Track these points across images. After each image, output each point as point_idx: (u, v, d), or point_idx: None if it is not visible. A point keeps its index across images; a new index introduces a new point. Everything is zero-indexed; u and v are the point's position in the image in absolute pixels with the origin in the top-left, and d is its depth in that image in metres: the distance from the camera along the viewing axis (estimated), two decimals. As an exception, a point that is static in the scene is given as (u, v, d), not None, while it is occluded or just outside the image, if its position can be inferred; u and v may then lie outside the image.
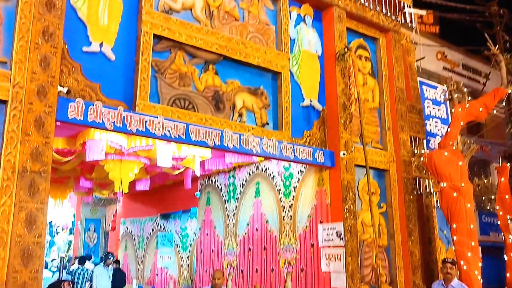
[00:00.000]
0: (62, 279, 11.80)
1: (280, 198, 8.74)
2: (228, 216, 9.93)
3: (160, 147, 7.78)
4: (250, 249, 9.20)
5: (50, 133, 5.17)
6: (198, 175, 8.95)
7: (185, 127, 6.20)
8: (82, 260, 11.62)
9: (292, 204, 8.49)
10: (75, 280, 11.11)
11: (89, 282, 10.71)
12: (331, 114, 7.92)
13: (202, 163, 9.57)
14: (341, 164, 7.63)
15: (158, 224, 12.32)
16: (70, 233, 19.93)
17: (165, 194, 12.25)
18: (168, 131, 6.03)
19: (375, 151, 8.34)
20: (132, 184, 10.40)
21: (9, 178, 4.84)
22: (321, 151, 7.63)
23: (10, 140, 4.91)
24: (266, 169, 9.21)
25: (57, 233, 21.56)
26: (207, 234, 10.48)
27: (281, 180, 8.80)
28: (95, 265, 13.33)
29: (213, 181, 10.61)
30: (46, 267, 13.68)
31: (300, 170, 8.44)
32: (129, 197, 13.96)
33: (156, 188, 12.29)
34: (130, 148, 7.96)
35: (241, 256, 9.37)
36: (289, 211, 8.51)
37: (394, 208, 8.31)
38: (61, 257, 13.50)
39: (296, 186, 8.47)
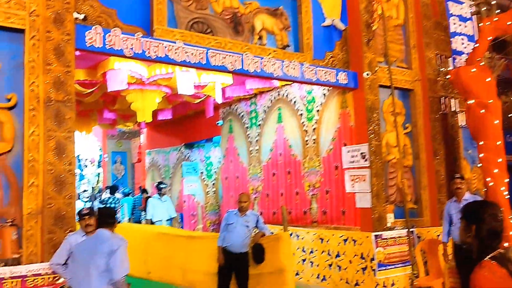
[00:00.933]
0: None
1: (303, 123, 8.70)
2: (251, 142, 9.99)
3: (180, 74, 7.71)
4: (274, 174, 9.32)
5: (70, 62, 5.13)
6: (219, 103, 8.92)
7: (205, 52, 6.08)
8: (113, 190, 11.97)
9: (315, 128, 8.45)
10: (107, 206, 11.50)
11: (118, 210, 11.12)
12: (353, 33, 7.66)
13: (223, 91, 9.50)
14: (365, 85, 7.48)
15: (183, 153, 12.51)
16: (98, 166, 20.51)
17: (188, 124, 12.33)
18: (188, 56, 5.92)
19: (399, 70, 8.13)
20: (154, 115, 10.47)
21: (35, 108, 4.88)
22: (344, 72, 7.47)
23: (32, 70, 4.90)
24: (287, 94, 9.11)
25: (86, 166, 22.19)
26: (231, 161, 10.61)
27: (303, 104, 8.72)
28: (124, 195, 13.81)
29: (235, 108, 10.58)
30: (78, 198, 14.18)
31: (323, 93, 8.33)
32: (153, 129, 14.11)
33: (179, 119, 12.36)
34: (151, 77, 7.92)
35: (266, 181, 9.51)
36: (312, 135, 8.50)
37: (419, 128, 8.21)
38: (92, 187, 13.94)
39: (319, 110, 8.39)
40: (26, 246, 4.69)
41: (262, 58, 6.61)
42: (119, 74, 7.40)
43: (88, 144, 20.97)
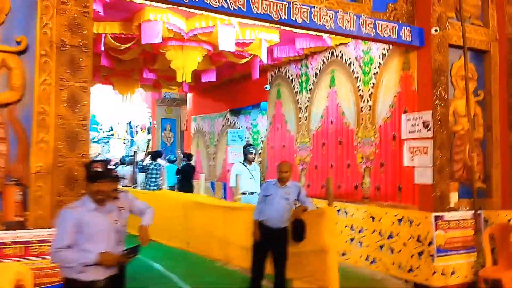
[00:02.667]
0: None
1: (358, 87, 7.77)
2: (300, 109, 9.16)
3: (221, 29, 6.98)
4: (324, 144, 8.48)
5: (88, 2, 4.50)
6: (265, 63, 8.12)
7: (246, -3, 5.28)
8: (154, 156, 11.57)
9: (372, 92, 7.51)
10: (148, 173, 11.14)
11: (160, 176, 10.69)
12: (422, -18, 6.59)
13: (270, 50, 8.69)
14: (432, 43, 6.42)
15: (228, 120, 11.85)
16: (148, 132, 20.37)
17: (233, 89, 11.63)
18: (226, 1, 5.14)
19: (474, 28, 6.97)
20: (198, 76, 9.84)
21: (47, 54, 4.30)
22: (408, 28, 6.44)
23: (45, 9, 4.30)
24: (342, 54, 8.16)
25: (137, 132, 22.15)
26: (278, 129, 9.84)
27: (360, 66, 7.76)
28: (169, 162, 13.42)
29: (284, 71, 9.74)
30: (123, 162, 13.97)
31: (382, 53, 7.34)
32: (199, 93, 13.53)
33: (225, 82, 11.68)
34: (190, 31, 7.24)
35: (315, 151, 8.70)
36: (368, 101, 7.56)
37: (494, 95, 7.07)
38: (134, 151, 13.65)
39: (377, 72, 7.42)
40: (33, 209, 4.17)
41: (312, 7, 5.72)
42: (154, 26, 6.76)
43: (139, 110, 20.85)
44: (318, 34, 7.14)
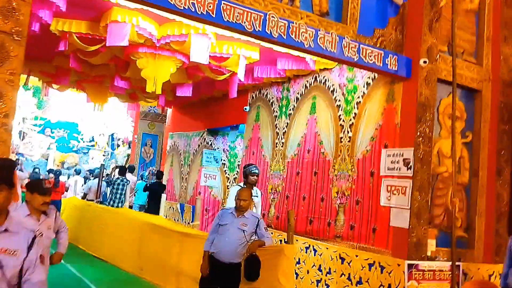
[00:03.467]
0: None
1: (340, 116, 7.22)
2: (278, 134, 8.58)
3: (195, 38, 6.44)
4: (298, 173, 7.87)
5: (28, -16, 3.92)
6: (243, 81, 7.57)
7: (216, 3, 4.74)
8: (122, 171, 10.90)
9: (353, 123, 6.95)
10: (114, 188, 10.46)
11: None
12: (413, 10, 6.11)
13: (251, 69, 8.17)
14: (420, 75, 5.92)
15: (205, 140, 11.24)
16: (129, 147, 19.72)
17: (212, 107, 11.05)
18: (193, 4, 4.60)
19: (466, 64, 6.49)
20: (173, 90, 9.26)
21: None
22: (395, 56, 5.94)
23: (-26, -13, 3.73)
24: (325, 80, 7.63)
25: (118, 146, 21.48)
26: (253, 153, 9.24)
27: (343, 94, 7.23)
28: (142, 179, 12.75)
29: (265, 94, 9.19)
30: (93, 173, 13.28)
31: (367, 83, 6.82)
32: (177, 110, 12.93)
33: (204, 100, 11.12)
34: (162, 38, 6.70)
35: (288, 180, 8.09)
36: (348, 132, 7.00)
37: (483, 138, 6.54)
38: (101, 164, 12.98)
39: (360, 102, 6.89)
40: None
41: (291, 22, 5.20)
42: (122, 28, 6.21)
43: (123, 123, 20.23)
44: (296, 53, 6.64)
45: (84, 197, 12.00)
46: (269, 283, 4.86)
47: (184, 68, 8.07)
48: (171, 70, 7.47)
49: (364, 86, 6.84)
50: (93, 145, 21.20)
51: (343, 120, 7.13)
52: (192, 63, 7.65)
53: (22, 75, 10.26)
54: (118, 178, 10.61)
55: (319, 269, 6.71)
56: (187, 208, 11.04)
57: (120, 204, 10.13)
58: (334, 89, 7.41)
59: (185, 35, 6.46)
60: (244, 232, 5.01)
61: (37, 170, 14.45)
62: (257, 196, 6.59)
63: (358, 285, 6.06)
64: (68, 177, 14.15)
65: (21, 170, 11.90)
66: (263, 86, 9.17)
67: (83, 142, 20.95)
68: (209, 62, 7.13)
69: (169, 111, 13.57)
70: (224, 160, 11.10)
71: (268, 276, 4.85)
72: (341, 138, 7.10)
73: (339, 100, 7.27)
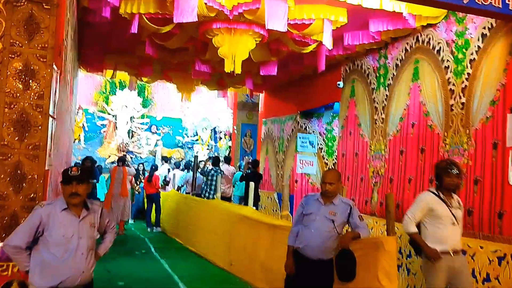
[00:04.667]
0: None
1: (449, 79, 5.99)
2: (376, 109, 7.50)
3: (269, 2, 5.63)
4: (402, 152, 6.76)
5: None
6: (330, 48, 6.59)
7: None
8: (215, 161, 10.48)
9: (466, 86, 5.70)
10: (208, 180, 10.09)
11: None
12: None
13: (340, 38, 7.18)
14: (555, 14, 4.57)
15: (298, 123, 10.40)
16: (230, 139, 19.60)
17: (303, 88, 10.16)
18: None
19: None
20: (257, 70, 8.53)
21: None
22: (519, -8, 4.64)
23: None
24: (429, 39, 6.42)
25: (220, 138, 21.52)
26: (350, 133, 8.23)
27: (451, 52, 5.98)
28: (240, 169, 12.30)
29: (359, 65, 8.12)
30: (188, 167, 13.15)
31: (482, 35, 5.53)
32: (269, 94, 12.23)
33: (294, 81, 10.29)
34: (234, 9, 5.98)
35: (391, 161, 7.00)
36: (460, 97, 5.76)
37: None
38: (195, 156, 12.70)
39: (474, 59, 5.62)
40: (-40, 213, 3.14)
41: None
42: (189, 1, 5.59)
43: (224, 116, 20.18)
44: (389, 5, 5.56)
45: (178, 189, 11.82)
46: (367, 284, 3.96)
47: (265, 44, 7.31)
48: (250, 46, 6.75)
49: (478, 39, 5.56)
50: (196, 140, 21.39)
51: (453, 84, 5.90)
52: (272, 36, 6.89)
53: (108, 70, 10.26)
54: (212, 169, 10.20)
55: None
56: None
57: (212, 196, 9.71)
58: (440, 48, 6.18)
59: (258, 1, 5.69)
60: (333, 222, 4.13)
61: (141, 165, 14.67)
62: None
63: (485, 283, 4.90)
64: (168, 171, 14.15)
65: (128, 165, 12.01)
66: (356, 57, 8.11)
67: (188, 137, 21.24)
68: (289, 31, 6.28)
69: (261, 96, 12.93)
70: (320, 144, 10.20)
71: (366, 275, 3.95)
72: (452, 105, 5.88)
73: (447, 61, 6.04)
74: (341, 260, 4.03)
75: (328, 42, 6.35)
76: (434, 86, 6.22)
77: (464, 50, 5.79)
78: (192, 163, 11.66)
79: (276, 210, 10.71)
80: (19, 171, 3.20)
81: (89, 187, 3.05)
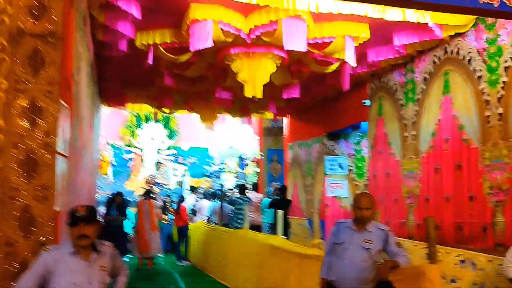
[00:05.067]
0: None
1: (482, 90, 5.63)
2: (406, 126, 7.14)
3: (286, 22, 5.43)
4: (437, 169, 6.36)
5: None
6: (353, 65, 6.32)
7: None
8: (242, 189, 10.24)
9: (502, 95, 5.33)
10: (236, 208, 9.84)
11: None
12: None
13: (363, 55, 6.93)
14: None
15: (325, 145, 10.08)
16: (257, 165, 19.38)
17: (329, 109, 9.86)
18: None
19: None
20: (279, 93, 8.31)
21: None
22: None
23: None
24: (458, 49, 6.09)
25: (247, 165, 21.33)
26: (380, 152, 7.87)
27: (483, 61, 5.64)
28: (268, 196, 12.01)
29: (385, 81, 7.82)
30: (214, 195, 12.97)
31: (515, 40, 5.19)
32: (294, 118, 11.97)
33: (319, 102, 10.01)
34: (251, 32, 5.82)
35: (425, 180, 6.60)
36: (497, 107, 5.39)
37: None
38: (221, 184, 12.47)
39: (510, 67, 5.26)
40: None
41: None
42: (204, 27, 5.45)
43: (250, 143, 20.05)
44: (413, 17, 5.29)
45: (208, 220, 11.58)
46: (410, 318, 3.58)
47: (286, 66, 7.11)
48: (270, 69, 6.55)
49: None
50: (223, 168, 21.28)
51: (488, 94, 5.53)
52: (293, 57, 6.69)
53: (130, 103, 10.21)
54: (239, 197, 9.96)
55: (481, 290, 5.15)
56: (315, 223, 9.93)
57: (240, 225, 9.43)
58: (471, 57, 5.84)
59: (275, 22, 5.51)
60: (369, 251, 3.80)
61: (167, 198, 14.51)
62: None
63: None
64: (196, 202, 13.95)
65: (155, 198, 11.86)
66: (382, 73, 7.81)
67: (215, 166, 21.13)
68: (309, 50, 6.07)
69: (285, 121, 12.68)
70: (350, 166, 9.85)
71: (408, 308, 3.58)
72: (488, 117, 5.50)
73: (480, 70, 5.69)
74: (380, 292, 3.68)
75: (351, 59, 6.10)
76: (467, 98, 5.87)
77: (497, 58, 5.44)
78: (219, 192, 11.43)
79: (307, 237, 10.33)
80: (27, 214, 3.02)
81: (98, 228, 2.83)
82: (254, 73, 6.48)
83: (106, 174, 18.18)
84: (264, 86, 6.60)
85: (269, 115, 11.57)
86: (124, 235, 10.45)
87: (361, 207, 3.88)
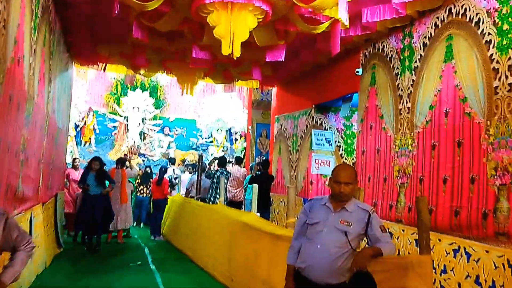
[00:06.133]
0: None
1: (491, 56, 4.87)
2: (401, 97, 6.40)
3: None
4: (434, 146, 5.65)
5: None
6: (347, 23, 5.49)
7: None
8: (221, 162, 9.52)
9: (513, 63, 4.60)
10: (214, 182, 9.13)
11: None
12: None
13: (358, 16, 6.14)
14: None
15: (313, 118, 9.34)
16: (245, 140, 18.76)
17: (318, 79, 9.09)
18: None
19: None
20: (262, 55, 7.50)
21: None
22: None
23: None
24: (465, 10, 5.31)
25: (235, 140, 20.69)
26: (371, 126, 7.14)
27: (494, 23, 4.87)
28: (250, 171, 11.33)
29: (380, 48, 7.03)
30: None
31: (533, -3, 4.43)
32: (281, 88, 11.19)
33: (309, 72, 9.23)
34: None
35: (420, 158, 5.89)
36: (507, 76, 4.64)
37: None
38: (199, 155, 11.77)
39: (523, 30, 4.51)
40: None
41: None
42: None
43: (239, 116, 19.35)
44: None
45: (187, 194, 10.88)
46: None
47: (270, 23, 6.30)
48: (251, 24, 5.74)
49: (529, 4, 4.46)
50: (211, 141, 20.61)
51: (498, 62, 4.78)
52: (277, 12, 5.89)
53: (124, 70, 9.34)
54: (217, 170, 9.24)
55: (477, 282, 4.51)
56: (298, 201, 9.28)
57: (217, 200, 8.74)
58: (479, 19, 5.07)
59: (255, -36, 4.70)
60: (346, 234, 3.10)
61: (148, 169, 13.77)
62: None
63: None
64: (174, 173, 13.25)
65: (128, 167, 11.06)
66: (377, 38, 7.03)
67: (202, 139, 20.48)
68: (296, 5, 5.28)
69: (273, 92, 11.89)
70: (338, 142, 9.13)
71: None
72: (496, 88, 4.76)
73: (489, 34, 4.92)
74: (356, 285, 2.99)
75: (343, 15, 5.29)
76: (472, 66, 5.11)
77: (510, 19, 4.68)
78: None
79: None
80: None
81: None
82: (232, 28, 5.67)
83: (89, 142, 17.50)
84: (247, 48, 5.83)
85: (255, 83, 10.77)
86: (108, 210, 8.80)
87: (339, 181, 3.17)
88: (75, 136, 17.36)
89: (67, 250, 8.31)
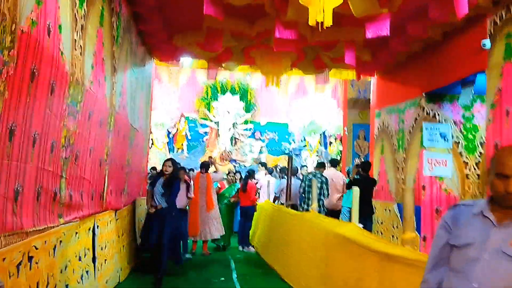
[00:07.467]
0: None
1: None
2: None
3: None
4: None
5: None
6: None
7: None
8: (320, 165, 8.35)
9: None
10: (306, 186, 7.98)
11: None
12: None
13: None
14: None
15: (424, 110, 7.79)
16: (341, 143, 17.64)
17: (429, 60, 7.51)
18: None
19: None
20: (361, 29, 6.16)
21: None
22: None
23: None
24: None
25: (330, 143, 19.52)
26: (507, 112, 5.52)
27: None
28: (348, 175, 10.04)
29: (517, 10, 5.43)
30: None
31: None
32: (383, 77, 9.68)
33: (417, 54, 7.72)
34: None
35: None
36: None
37: None
38: (288, 156, 10.57)
39: None
40: None
41: None
42: None
43: (334, 118, 18.26)
44: None
45: (274, 200, 9.79)
46: None
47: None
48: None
49: None
50: (304, 146, 19.62)
51: None
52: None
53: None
54: (309, 173, 8.05)
55: None
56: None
57: (308, 207, 7.54)
58: None
59: None
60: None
61: (237, 174, 12.92)
62: None
63: None
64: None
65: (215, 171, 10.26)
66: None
67: (295, 143, 19.56)
68: None
69: (372, 83, 10.42)
70: (457, 137, 7.52)
71: None
72: None
73: None
74: None
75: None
76: None
77: None
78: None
79: (397, 227, 8.20)
80: None
81: None
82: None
83: (181, 149, 17.36)
84: (342, 24, 4.56)
85: (350, 74, 9.41)
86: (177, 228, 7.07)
87: (507, 174, 1.85)
88: (167, 143, 17.39)
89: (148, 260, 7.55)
